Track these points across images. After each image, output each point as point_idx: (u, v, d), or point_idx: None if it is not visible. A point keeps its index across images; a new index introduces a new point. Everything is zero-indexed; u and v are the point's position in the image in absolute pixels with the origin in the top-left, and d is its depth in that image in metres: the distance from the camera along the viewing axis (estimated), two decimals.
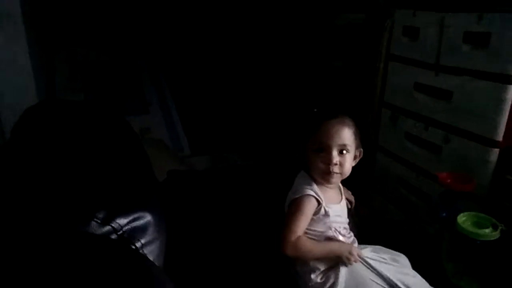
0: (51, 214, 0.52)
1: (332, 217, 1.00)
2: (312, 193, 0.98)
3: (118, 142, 0.80)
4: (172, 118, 2.55)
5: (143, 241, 0.57)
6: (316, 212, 0.99)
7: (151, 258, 0.57)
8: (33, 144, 0.73)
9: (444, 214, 1.26)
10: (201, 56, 2.75)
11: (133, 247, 0.55)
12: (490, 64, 1.27)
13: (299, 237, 0.96)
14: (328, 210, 1.00)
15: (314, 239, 0.99)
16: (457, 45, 1.37)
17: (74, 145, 0.70)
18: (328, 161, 0.97)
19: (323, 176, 1.00)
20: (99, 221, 0.52)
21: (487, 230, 1.10)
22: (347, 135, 0.99)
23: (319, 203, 0.99)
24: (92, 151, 0.69)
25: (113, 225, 0.53)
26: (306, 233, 0.99)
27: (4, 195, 0.56)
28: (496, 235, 1.09)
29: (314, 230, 0.99)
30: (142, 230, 0.57)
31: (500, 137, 1.27)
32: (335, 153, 0.98)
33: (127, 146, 0.82)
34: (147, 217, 0.58)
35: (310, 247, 0.97)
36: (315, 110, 1.07)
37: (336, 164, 0.98)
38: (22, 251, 0.46)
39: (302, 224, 0.97)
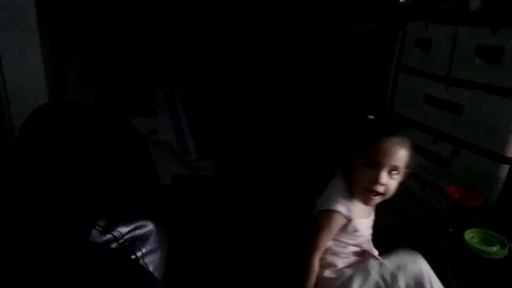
0: (53, 220, 0.51)
1: (360, 232, 0.98)
2: (343, 210, 0.95)
3: (122, 146, 0.80)
4: (180, 121, 2.56)
5: (144, 250, 0.56)
6: (345, 226, 0.96)
7: (151, 268, 0.57)
8: (38, 146, 0.74)
9: (451, 229, 1.24)
10: (212, 62, 2.76)
11: (134, 256, 0.55)
12: (503, 78, 1.25)
13: (318, 257, 0.95)
14: (358, 226, 0.97)
15: (339, 249, 0.98)
16: (470, 59, 1.35)
17: (78, 148, 0.70)
18: (375, 179, 0.93)
19: (364, 193, 0.95)
20: (100, 229, 0.52)
21: (495, 248, 1.08)
22: (402, 156, 0.94)
23: (348, 219, 0.96)
24: (96, 155, 0.69)
25: (114, 233, 0.53)
26: (333, 240, 0.98)
27: (6, 198, 0.56)
28: (504, 253, 1.06)
29: (341, 241, 0.98)
30: (143, 239, 0.56)
31: (510, 153, 1.25)
32: (384, 173, 0.93)
33: (132, 151, 0.82)
34: (149, 226, 0.57)
35: (313, 275, 0.95)
36: (372, 118, 1.04)
37: (382, 185, 0.93)
38: (20, 255, 0.46)
39: (326, 240, 0.96)
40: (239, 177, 1.55)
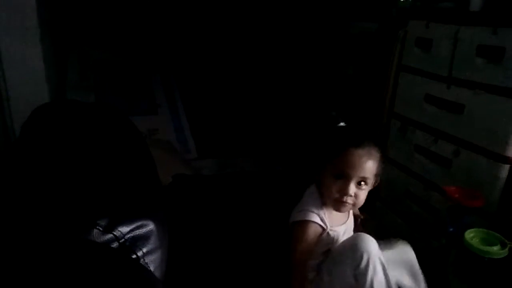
0: (54, 220, 0.52)
1: (335, 238, 0.99)
2: (317, 219, 0.96)
3: (123, 146, 0.80)
4: (180, 120, 2.56)
5: (144, 250, 0.56)
6: (320, 234, 0.97)
7: (152, 267, 0.57)
8: (39, 145, 0.74)
9: (451, 229, 1.24)
10: (213, 61, 2.76)
11: (134, 256, 0.55)
12: (504, 78, 1.25)
13: (304, 263, 0.95)
14: (332, 233, 0.98)
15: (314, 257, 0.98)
16: (471, 58, 1.35)
17: (79, 147, 0.70)
18: (344, 191, 0.94)
19: (334, 204, 0.96)
20: (101, 229, 0.52)
21: (495, 248, 1.08)
22: (370, 167, 0.94)
23: (323, 228, 0.97)
24: (97, 155, 0.69)
25: (115, 233, 0.53)
26: None
27: (7, 198, 0.56)
28: (504, 253, 1.06)
29: (315, 251, 0.98)
30: (144, 238, 0.56)
31: (511, 153, 1.25)
32: (353, 184, 0.94)
33: (132, 150, 0.82)
34: (150, 226, 0.57)
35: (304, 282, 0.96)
36: (341, 126, 1.05)
37: (351, 196, 0.94)
38: (20, 255, 0.46)
39: (306, 249, 0.96)
40: (240, 177, 1.55)
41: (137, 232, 0.56)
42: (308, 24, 2.56)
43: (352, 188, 0.93)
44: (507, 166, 1.26)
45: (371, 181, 0.96)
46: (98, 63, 2.57)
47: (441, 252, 1.28)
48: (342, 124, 1.04)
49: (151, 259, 0.57)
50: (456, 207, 1.25)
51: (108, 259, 0.50)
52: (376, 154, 0.96)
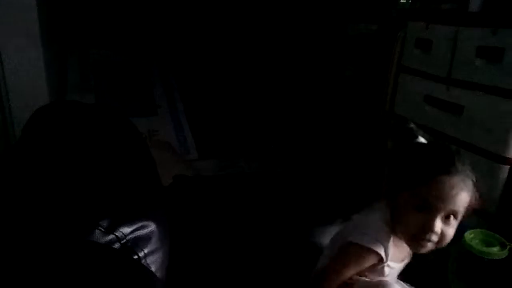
0: (56, 221, 0.52)
1: (387, 275, 0.84)
2: (381, 251, 0.79)
3: (124, 147, 0.80)
4: (180, 121, 2.56)
5: (146, 250, 0.56)
6: (375, 265, 0.82)
7: (153, 268, 0.57)
8: (40, 146, 0.74)
9: None
10: (212, 62, 2.76)
11: (136, 256, 0.55)
12: (503, 79, 1.25)
13: (336, 285, 0.82)
14: (388, 270, 0.83)
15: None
16: (470, 59, 1.35)
17: (80, 149, 0.70)
18: (428, 227, 0.75)
19: (412, 241, 0.79)
20: (103, 230, 0.52)
21: (495, 249, 1.08)
22: (464, 199, 0.75)
23: (382, 262, 0.81)
24: (98, 156, 0.69)
25: (117, 234, 0.53)
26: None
27: (9, 199, 0.56)
28: (504, 254, 1.06)
29: (366, 277, 0.83)
30: (145, 239, 0.57)
31: (510, 153, 1.25)
32: (439, 219, 0.75)
33: (134, 151, 0.82)
34: (151, 226, 0.58)
35: None
36: (411, 125, 0.86)
37: (436, 234, 0.75)
38: (23, 255, 0.47)
39: (351, 273, 0.82)
40: (240, 178, 1.55)
41: (139, 233, 0.56)
42: (308, 25, 2.57)
43: (439, 224, 0.75)
44: (506, 167, 1.26)
45: (461, 214, 0.77)
46: (98, 64, 2.57)
47: (441, 253, 1.28)
48: (422, 139, 0.85)
49: (152, 259, 0.57)
50: None
51: (110, 260, 0.50)
52: (470, 182, 0.77)
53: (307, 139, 2.33)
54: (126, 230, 0.54)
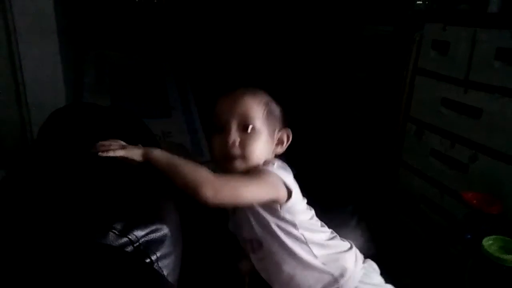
0: (70, 223, 0.52)
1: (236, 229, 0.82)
2: None
3: None
4: (194, 123, 2.57)
5: (159, 254, 0.57)
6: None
7: (165, 271, 0.57)
8: (56, 147, 0.75)
9: (468, 236, 1.22)
10: (226, 64, 2.77)
11: (148, 260, 0.55)
12: None
13: None
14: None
15: None
16: (489, 62, 1.33)
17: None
18: (225, 141, 0.77)
19: (222, 164, 0.79)
20: (117, 233, 0.53)
21: None
22: (250, 105, 0.80)
23: None
24: (113, 158, 0.69)
25: (130, 236, 0.53)
26: None
27: (24, 200, 0.57)
28: None
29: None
30: (158, 242, 0.57)
31: None
32: (234, 129, 0.78)
33: None
34: (164, 230, 0.58)
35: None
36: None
37: (234, 145, 0.77)
38: (36, 257, 0.47)
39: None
40: None
41: (152, 236, 0.56)
42: (323, 26, 2.55)
43: (234, 133, 0.78)
44: None
45: (263, 126, 0.81)
46: (113, 66, 2.61)
47: (458, 259, 1.25)
48: None
49: (165, 263, 0.58)
50: (474, 214, 1.23)
51: (122, 263, 0.50)
52: (256, 93, 0.85)
53: (319, 140, 2.31)
54: (140, 233, 0.54)
